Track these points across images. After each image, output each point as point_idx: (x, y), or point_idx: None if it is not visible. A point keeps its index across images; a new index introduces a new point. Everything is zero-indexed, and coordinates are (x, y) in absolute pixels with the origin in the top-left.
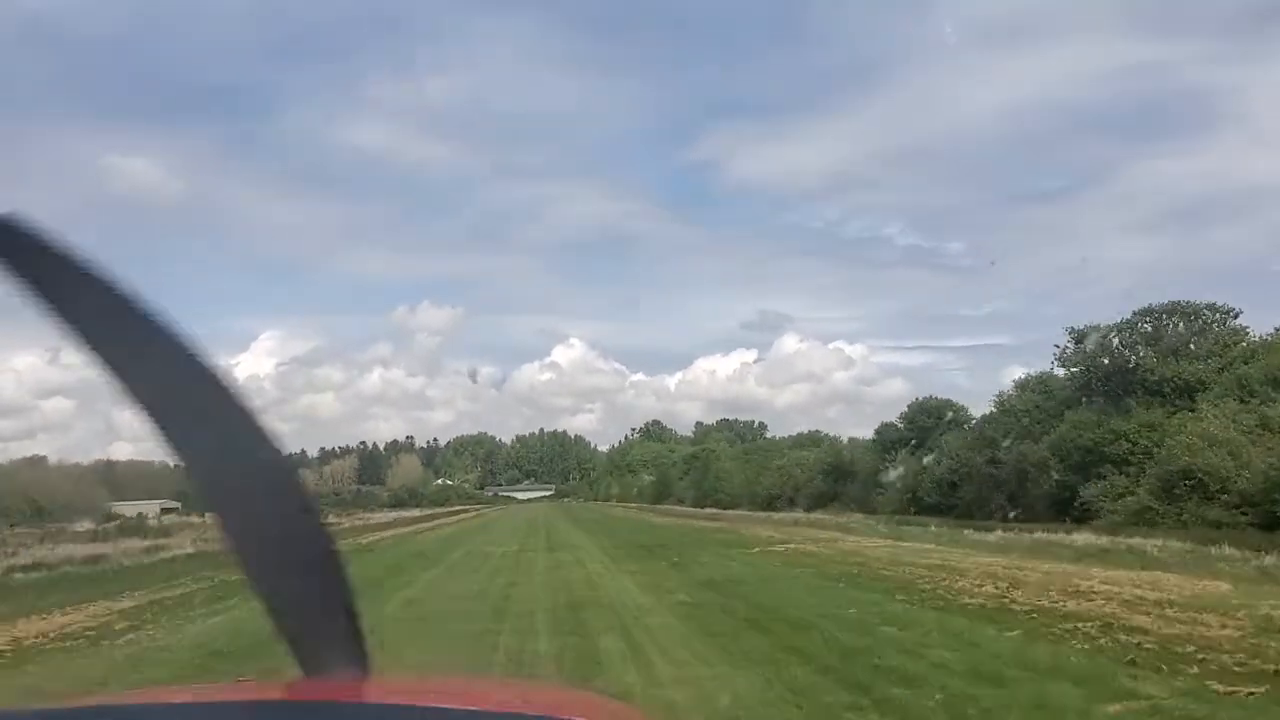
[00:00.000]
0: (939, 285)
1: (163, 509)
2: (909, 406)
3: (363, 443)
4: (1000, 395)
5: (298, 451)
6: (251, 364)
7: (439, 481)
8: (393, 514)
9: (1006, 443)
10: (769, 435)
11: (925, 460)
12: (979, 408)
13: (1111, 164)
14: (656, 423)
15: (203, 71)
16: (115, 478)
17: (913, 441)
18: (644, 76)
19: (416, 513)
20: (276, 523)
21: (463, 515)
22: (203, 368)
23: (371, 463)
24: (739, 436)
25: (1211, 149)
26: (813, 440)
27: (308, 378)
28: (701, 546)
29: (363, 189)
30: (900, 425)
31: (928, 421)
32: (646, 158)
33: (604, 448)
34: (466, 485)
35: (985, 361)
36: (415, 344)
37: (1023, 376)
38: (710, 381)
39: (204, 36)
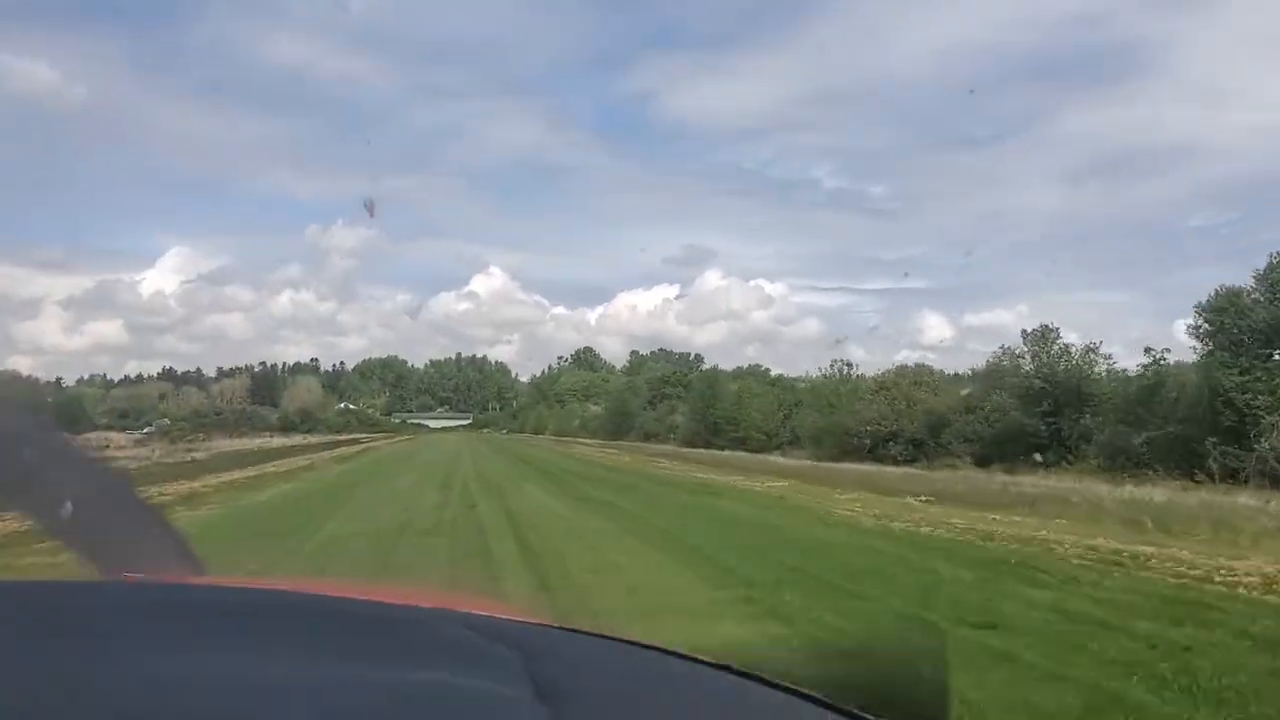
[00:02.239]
0: (861, 228)
1: None
2: None
3: (263, 363)
4: None
5: (193, 370)
6: (157, 280)
7: (341, 405)
8: (243, 442)
9: None
10: (704, 368)
11: None
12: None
13: (1037, 113)
14: (589, 349)
15: None
16: None
17: None
18: None
19: (291, 441)
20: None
21: (343, 450)
22: None
23: (266, 383)
24: (675, 368)
25: (1136, 102)
26: (753, 375)
27: (215, 296)
28: None
29: (280, 104)
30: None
31: None
32: (578, 85)
33: (524, 379)
34: (372, 411)
35: (900, 304)
36: (328, 266)
37: None
38: (631, 316)
39: None
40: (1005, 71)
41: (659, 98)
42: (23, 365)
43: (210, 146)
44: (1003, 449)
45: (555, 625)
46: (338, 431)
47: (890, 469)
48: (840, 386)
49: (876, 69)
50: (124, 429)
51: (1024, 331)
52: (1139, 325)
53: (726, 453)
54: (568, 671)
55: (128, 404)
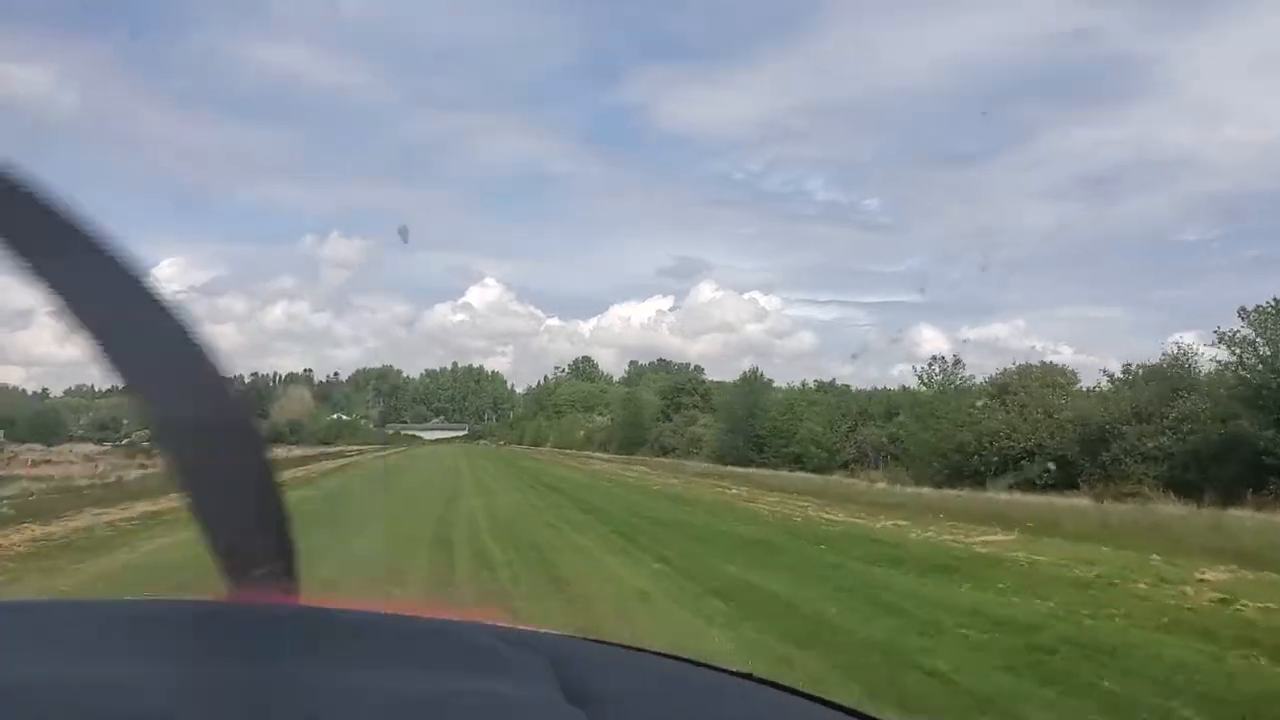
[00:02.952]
0: (854, 241)
1: None
2: None
3: (255, 373)
4: None
5: None
6: None
7: (334, 416)
8: None
9: None
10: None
11: None
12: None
13: (1031, 127)
14: (587, 359)
15: None
16: None
17: None
18: (573, 8)
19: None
20: (218, 444)
21: (321, 465)
22: (149, 294)
23: (257, 394)
24: (674, 379)
25: (1129, 118)
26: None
27: (208, 308)
28: None
29: (273, 113)
30: None
31: None
32: (572, 96)
33: (519, 390)
34: (365, 422)
35: (894, 318)
36: (323, 277)
37: None
38: (624, 328)
39: None
40: (999, 86)
41: (652, 109)
42: (15, 376)
43: (204, 157)
44: (1205, 471)
45: (580, 636)
46: (328, 443)
47: (1063, 501)
48: (946, 392)
49: (870, 82)
50: (101, 440)
51: (1242, 310)
52: (1133, 340)
53: (789, 474)
54: (597, 678)
55: (110, 415)
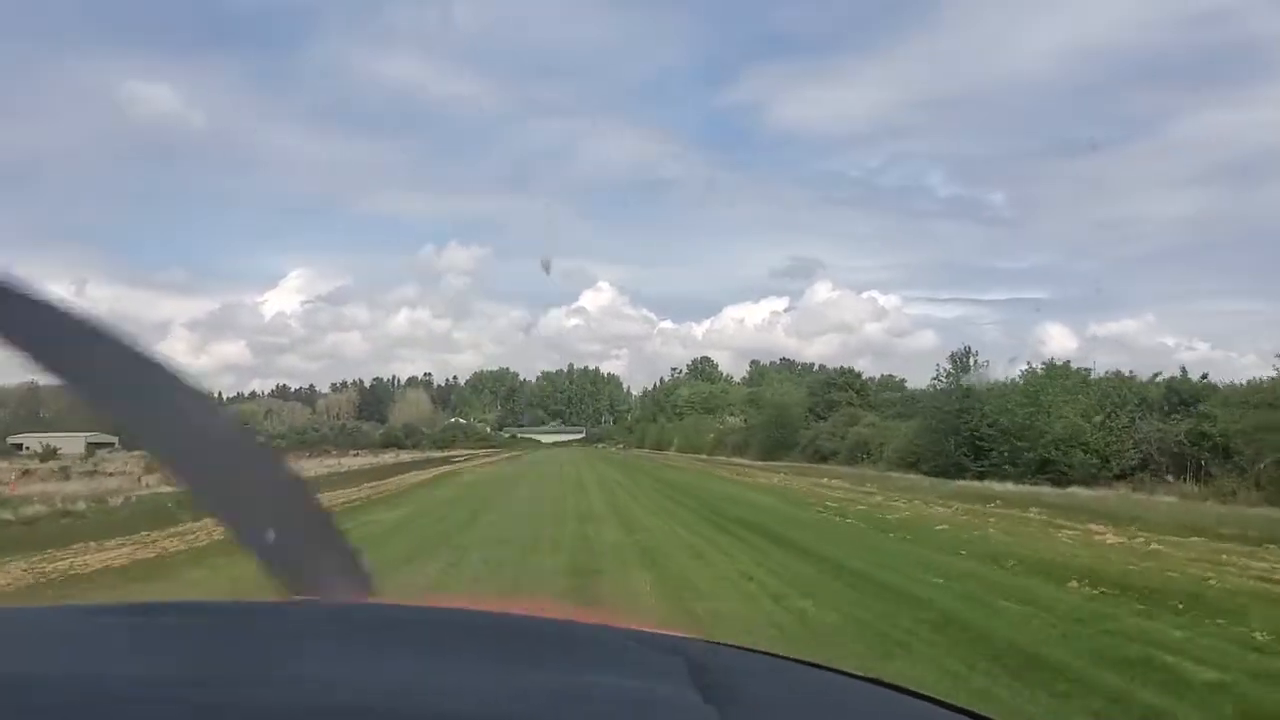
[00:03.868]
0: (977, 237)
1: (90, 444)
2: None
3: (378, 378)
4: None
5: (307, 387)
6: (279, 301)
7: (451, 420)
8: (313, 464)
9: None
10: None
11: None
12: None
13: (1160, 115)
14: (706, 359)
15: None
16: (43, 405)
17: None
18: (683, 8)
19: (378, 459)
20: (238, 472)
21: (412, 476)
22: (137, 354)
23: (376, 398)
24: (799, 379)
25: (1266, 100)
26: (888, 385)
27: (334, 316)
28: None
29: (394, 125)
30: None
31: None
32: (683, 97)
33: (635, 393)
34: (483, 425)
35: (1021, 316)
36: (442, 285)
37: None
38: (738, 330)
39: None
40: (1126, 73)
41: (764, 108)
42: None
43: (329, 169)
44: None
45: (713, 640)
46: (443, 447)
47: None
48: None
49: (991, 72)
50: None
51: None
52: (1276, 334)
53: (1055, 490)
54: (731, 679)
55: None
